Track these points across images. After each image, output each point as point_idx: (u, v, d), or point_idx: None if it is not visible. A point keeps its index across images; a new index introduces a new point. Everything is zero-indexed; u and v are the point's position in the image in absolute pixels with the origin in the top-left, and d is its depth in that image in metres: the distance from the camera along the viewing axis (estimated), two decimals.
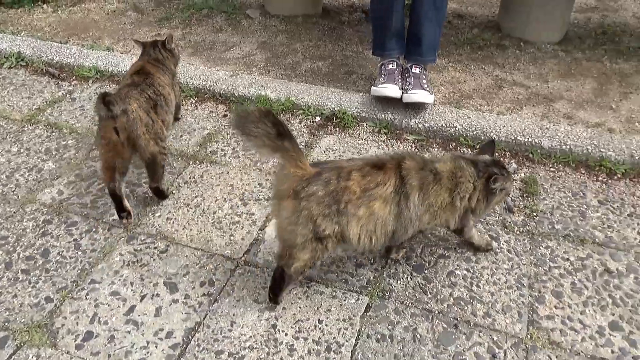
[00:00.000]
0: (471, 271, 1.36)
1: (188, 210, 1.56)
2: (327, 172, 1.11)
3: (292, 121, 1.95)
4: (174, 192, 1.63)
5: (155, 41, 1.74)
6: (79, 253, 1.42)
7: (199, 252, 1.43)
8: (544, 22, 2.30)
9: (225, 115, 2.00)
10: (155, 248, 1.44)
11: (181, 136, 1.88)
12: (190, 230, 1.50)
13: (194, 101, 2.08)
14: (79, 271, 1.37)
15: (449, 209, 1.21)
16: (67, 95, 2.12)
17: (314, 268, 1.28)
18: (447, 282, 1.33)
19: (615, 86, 2.07)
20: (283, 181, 1.13)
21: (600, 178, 1.66)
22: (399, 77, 1.88)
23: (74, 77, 2.23)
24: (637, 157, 1.66)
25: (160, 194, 1.58)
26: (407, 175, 1.15)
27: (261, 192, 1.63)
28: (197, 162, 1.76)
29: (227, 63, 2.30)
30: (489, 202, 1.25)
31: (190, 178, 1.69)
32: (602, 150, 1.70)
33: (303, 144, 1.83)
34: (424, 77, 1.88)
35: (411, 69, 1.89)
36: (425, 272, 1.36)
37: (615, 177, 1.65)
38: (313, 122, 1.94)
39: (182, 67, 2.20)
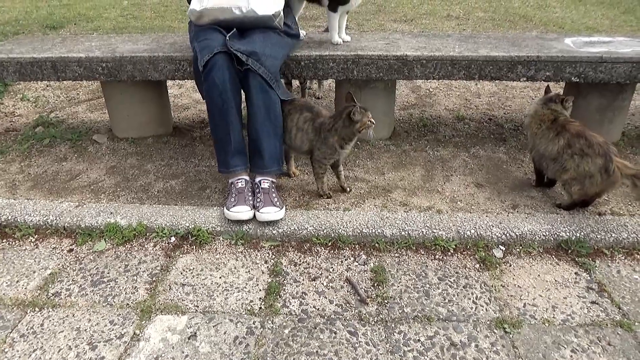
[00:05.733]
0: None
1: None
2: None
3: (146, 245, 1.90)
4: (6, 350, 1.44)
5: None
6: None
7: None
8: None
9: (71, 250, 1.88)
10: None
11: (17, 281, 1.71)
12: None
13: (33, 239, 1.93)
14: None
15: None
16: None
17: None
18: None
19: (439, 171, 2.39)
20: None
21: (437, 256, 1.85)
22: (249, 194, 1.96)
23: None
24: (462, 233, 1.90)
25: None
26: None
27: (112, 330, 1.51)
28: (36, 309, 1.60)
29: (72, 193, 2.21)
30: None
31: (27, 330, 1.52)
32: (434, 230, 1.92)
33: (158, 267, 1.78)
34: (273, 191, 1.98)
35: (260, 184, 1.98)
36: None
37: (449, 253, 1.86)
38: (168, 243, 1.91)
39: (19, 204, 2.06)
